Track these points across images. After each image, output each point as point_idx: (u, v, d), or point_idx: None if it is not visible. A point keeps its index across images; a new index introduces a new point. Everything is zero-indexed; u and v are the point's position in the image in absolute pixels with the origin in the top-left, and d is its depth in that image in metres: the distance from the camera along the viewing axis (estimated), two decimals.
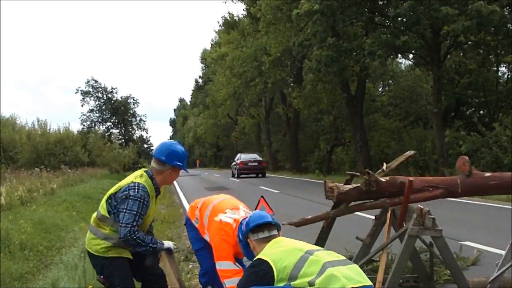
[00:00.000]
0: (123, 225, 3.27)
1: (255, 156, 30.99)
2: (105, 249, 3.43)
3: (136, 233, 3.29)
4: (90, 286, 4.89)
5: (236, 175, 29.40)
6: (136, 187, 3.33)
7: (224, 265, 3.62)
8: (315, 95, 26.48)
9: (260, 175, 28.99)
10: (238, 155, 32.26)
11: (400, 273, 3.72)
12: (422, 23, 16.94)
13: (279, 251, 2.79)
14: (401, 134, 25.87)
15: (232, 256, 3.63)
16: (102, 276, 3.47)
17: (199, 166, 68.46)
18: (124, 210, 3.29)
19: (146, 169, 3.60)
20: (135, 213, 3.28)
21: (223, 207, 3.81)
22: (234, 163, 31.42)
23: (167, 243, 3.58)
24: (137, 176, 3.44)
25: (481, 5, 15.21)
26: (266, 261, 2.73)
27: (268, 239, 2.97)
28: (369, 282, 2.56)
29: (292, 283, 2.61)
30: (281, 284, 2.65)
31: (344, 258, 2.75)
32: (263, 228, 3.00)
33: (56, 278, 5.70)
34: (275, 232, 3.01)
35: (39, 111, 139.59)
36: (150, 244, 3.37)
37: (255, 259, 2.85)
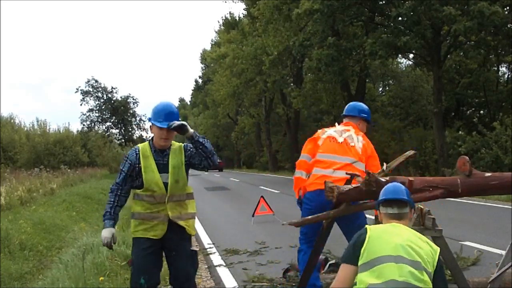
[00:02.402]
0: None
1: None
2: (134, 228, 3.53)
3: (112, 190, 3.51)
4: (101, 278, 4.94)
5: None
6: (129, 152, 3.60)
7: (300, 157, 4.43)
8: (315, 95, 26.47)
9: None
10: None
11: None
12: (423, 23, 16.93)
13: (385, 232, 2.67)
14: (401, 134, 25.85)
15: (308, 150, 4.39)
16: (130, 259, 3.58)
17: None
18: None
19: None
20: (119, 170, 3.54)
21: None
22: None
23: (104, 232, 3.44)
24: None
25: (483, 6, 15.21)
26: (367, 232, 2.67)
27: (395, 216, 2.81)
28: None
29: (360, 274, 2.56)
30: (360, 262, 2.61)
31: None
32: (392, 204, 2.82)
33: (56, 278, 5.69)
34: (406, 210, 2.83)
35: (40, 111, 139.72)
36: (104, 213, 3.49)
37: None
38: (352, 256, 2.64)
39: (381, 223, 2.85)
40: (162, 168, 3.46)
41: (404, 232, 2.69)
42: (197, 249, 3.73)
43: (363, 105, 4.70)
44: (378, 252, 2.57)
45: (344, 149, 4.30)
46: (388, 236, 2.65)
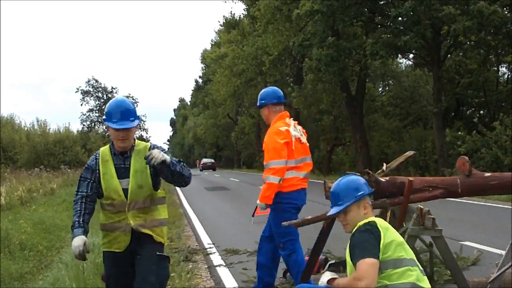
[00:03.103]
0: None
1: (211, 159, 59.15)
2: (101, 240, 3.22)
3: (76, 200, 3.11)
4: None
5: (200, 170, 51.38)
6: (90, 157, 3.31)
7: (281, 163, 4.18)
8: (315, 95, 26.46)
9: (211, 169, 50.76)
10: (203, 159, 60.33)
11: None
12: (423, 23, 16.93)
13: (389, 229, 2.62)
14: (401, 134, 25.88)
15: (287, 156, 4.21)
16: (103, 273, 3.29)
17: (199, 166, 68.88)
18: None
19: None
20: (81, 178, 3.18)
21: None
22: (200, 163, 57.29)
23: (75, 241, 2.97)
24: None
25: (482, 6, 15.22)
26: (378, 228, 2.56)
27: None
28: None
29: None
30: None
31: None
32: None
33: (56, 278, 5.70)
34: None
35: (40, 111, 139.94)
36: (72, 224, 3.07)
37: (367, 221, 2.64)
38: (378, 250, 2.52)
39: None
40: (123, 172, 3.09)
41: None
42: (168, 256, 3.27)
43: None
44: (394, 252, 2.53)
45: (306, 149, 4.50)
46: (395, 235, 2.64)
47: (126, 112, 3.04)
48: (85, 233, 3.05)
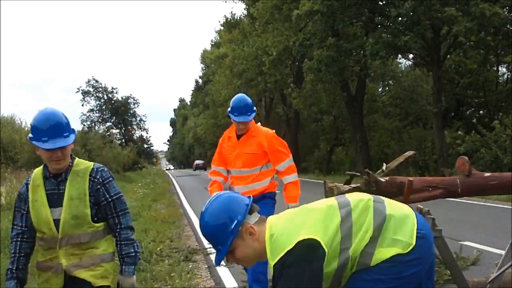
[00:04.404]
0: None
1: (202, 161, 61.87)
2: (37, 281, 2.69)
3: (12, 238, 2.62)
4: None
5: (194, 169, 57.95)
6: None
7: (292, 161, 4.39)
8: (315, 95, 26.49)
9: (203, 169, 53.71)
10: (195, 161, 64.35)
11: None
12: (423, 23, 16.95)
13: (313, 218, 2.06)
14: (401, 134, 25.88)
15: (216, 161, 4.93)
16: None
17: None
18: None
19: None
20: (14, 208, 2.67)
21: None
22: (194, 164, 62.33)
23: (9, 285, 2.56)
24: None
25: (484, 8, 15.26)
26: (315, 241, 1.97)
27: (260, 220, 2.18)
28: None
29: (349, 252, 2.00)
30: (334, 264, 1.99)
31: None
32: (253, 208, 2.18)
33: None
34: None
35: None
36: (6, 271, 2.60)
37: (296, 244, 1.97)
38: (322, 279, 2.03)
39: None
40: (57, 200, 2.53)
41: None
42: None
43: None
44: (335, 230, 2.03)
45: None
46: (319, 212, 2.13)
47: (58, 127, 2.45)
48: (20, 283, 2.60)
